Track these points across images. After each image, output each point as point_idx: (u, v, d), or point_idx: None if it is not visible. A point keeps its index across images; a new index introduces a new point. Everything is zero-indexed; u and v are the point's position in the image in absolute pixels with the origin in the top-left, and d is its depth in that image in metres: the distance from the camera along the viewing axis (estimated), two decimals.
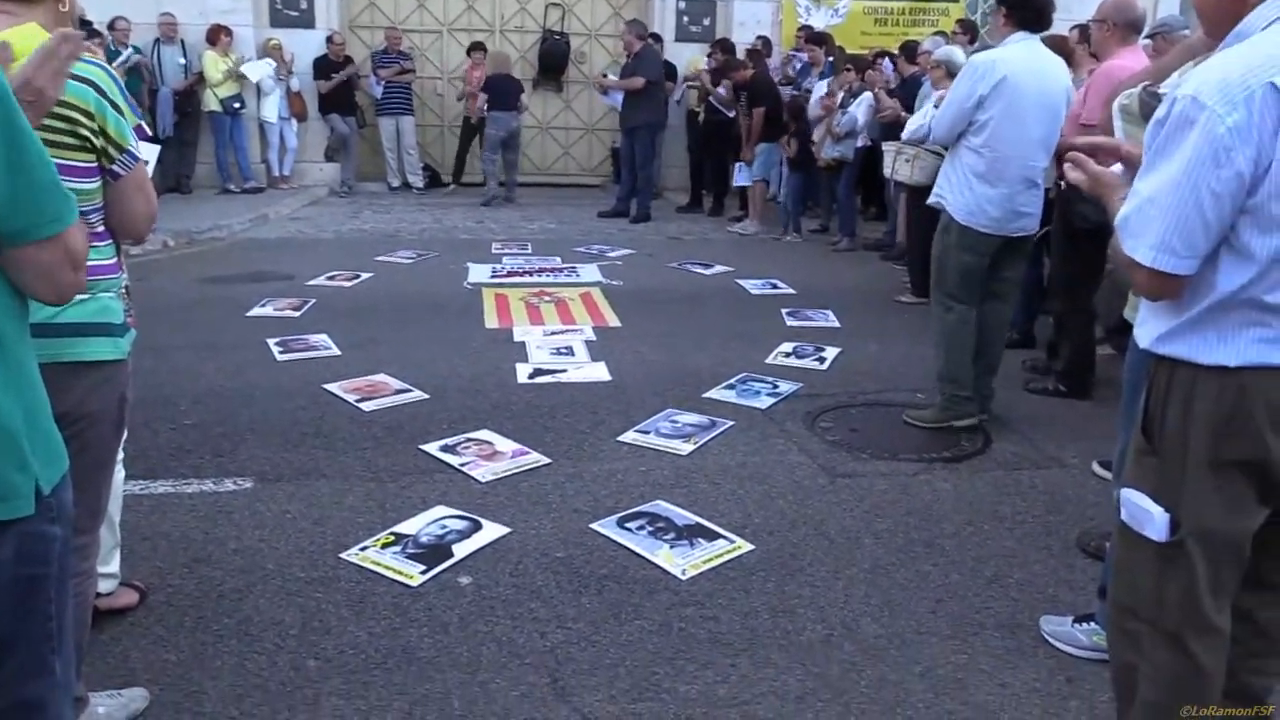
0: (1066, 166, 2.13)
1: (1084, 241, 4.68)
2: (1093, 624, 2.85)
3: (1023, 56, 4.31)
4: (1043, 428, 4.64)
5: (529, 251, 8.79)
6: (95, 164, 2.08)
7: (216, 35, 11.06)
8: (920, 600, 3.11)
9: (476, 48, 11.97)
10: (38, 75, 1.56)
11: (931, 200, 4.60)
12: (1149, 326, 1.93)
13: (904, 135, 6.31)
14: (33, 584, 1.58)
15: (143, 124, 2.19)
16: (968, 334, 4.52)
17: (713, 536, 3.45)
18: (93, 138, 2.05)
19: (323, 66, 11.51)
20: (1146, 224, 1.78)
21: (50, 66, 1.57)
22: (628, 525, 3.51)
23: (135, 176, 2.16)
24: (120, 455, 2.94)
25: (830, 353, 5.72)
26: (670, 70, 11.93)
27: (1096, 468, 4.17)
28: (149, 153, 2.61)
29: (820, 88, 9.73)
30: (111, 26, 10.34)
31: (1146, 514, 1.91)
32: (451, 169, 12.74)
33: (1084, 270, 4.82)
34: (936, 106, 5.11)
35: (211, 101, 11.10)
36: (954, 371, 4.56)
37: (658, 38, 11.84)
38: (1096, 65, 5.41)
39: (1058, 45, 5.47)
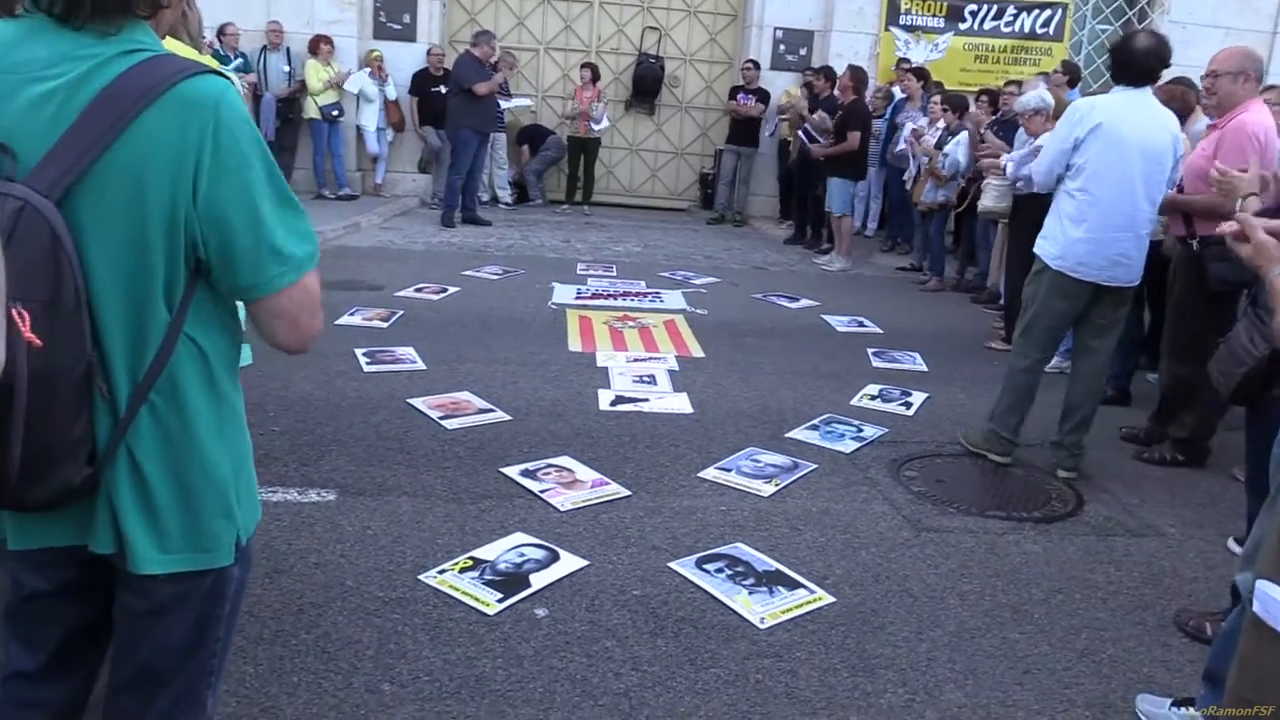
0: (1225, 226, 2.03)
1: (1216, 302, 4.50)
2: (1192, 710, 2.72)
3: (1123, 102, 4.34)
4: (1138, 492, 4.47)
5: (614, 274, 8.81)
6: None
7: (317, 45, 11.34)
8: (1006, 669, 3.00)
9: (586, 67, 12.09)
10: None
11: (1036, 248, 4.53)
12: None
13: (1009, 174, 6.30)
14: (208, 623, 1.61)
15: None
16: (1025, 382, 4.60)
17: (793, 585, 3.38)
18: None
19: (421, 79, 11.71)
20: None
21: None
22: (706, 567, 3.46)
23: None
24: None
25: (917, 398, 5.61)
26: (764, 96, 11.93)
27: (1232, 544, 3.91)
28: None
29: (910, 123, 9.62)
30: (221, 32, 10.67)
31: None
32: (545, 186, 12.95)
33: (1216, 332, 4.63)
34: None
35: (311, 109, 11.38)
36: (1003, 413, 4.67)
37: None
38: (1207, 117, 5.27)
39: (1176, 96, 5.33)
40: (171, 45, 1.86)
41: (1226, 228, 2.03)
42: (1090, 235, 4.32)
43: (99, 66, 1.36)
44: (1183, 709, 2.74)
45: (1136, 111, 4.32)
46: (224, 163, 1.39)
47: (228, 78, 1.47)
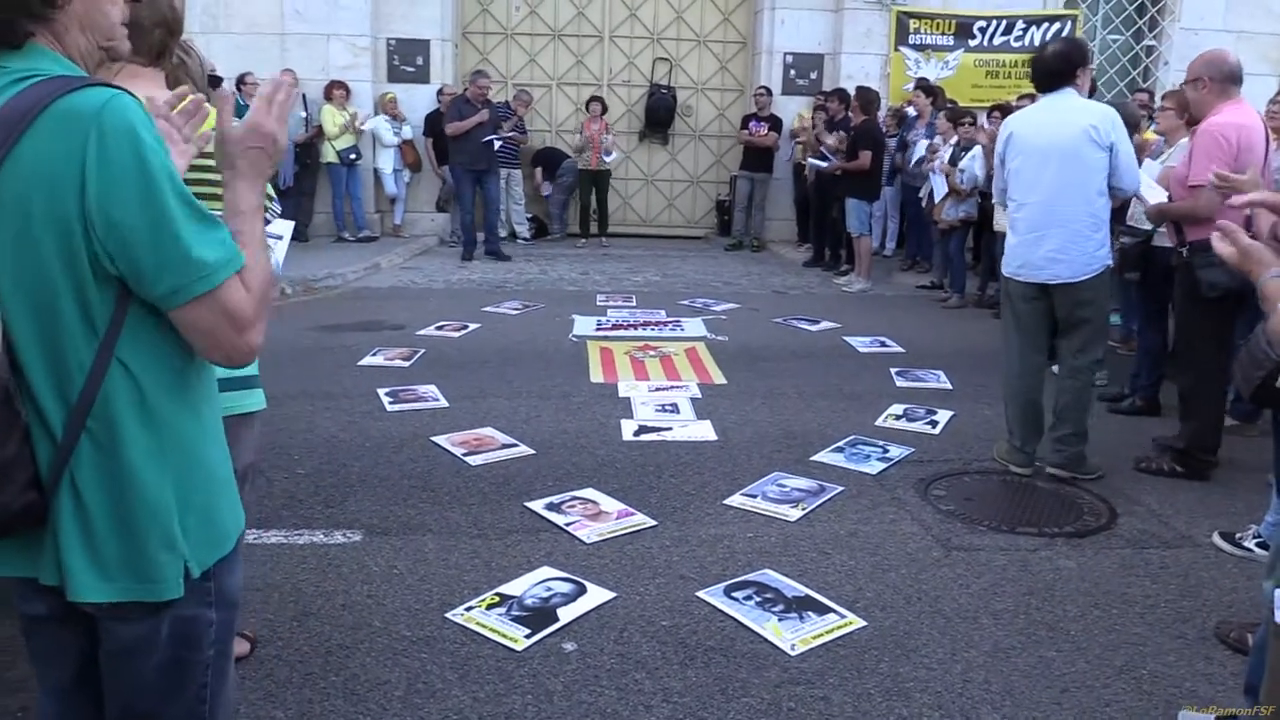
0: (1214, 237, 2.01)
1: (1212, 309, 4.47)
2: None
3: (1035, 110, 4.70)
4: (1172, 503, 4.40)
5: (634, 304, 8.82)
6: None
7: (331, 90, 11.48)
8: (1044, 689, 2.94)
9: (595, 100, 12.17)
10: (266, 121, 1.55)
11: None
12: None
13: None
14: (185, 667, 1.58)
15: (272, 195, 2.22)
16: (1017, 389, 4.68)
17: (823, 610, 3.34)
18: None
19: (434, 120, 11.83)
20: None
21: (275, 113, 1.57)
22: (735, 594, 3.43)
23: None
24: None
25: (942, 416, 5.56)
26: (776, 123, 11.98)
27: (1217, 539, 3.95)
28: (283, 229, 2.72)
29: (922, 146, 9.62)
30: (241, 82, 10.83)
31: None
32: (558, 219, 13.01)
33: (1213, 340, 4.59)
34: None
35: (329, 153, 11.50)
36: (1008, 420, 4.78)
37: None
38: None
39: (1184, 103, 5.34)
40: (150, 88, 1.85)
41: (1214, 238, 2.01)
42: (1022, 238, 4.57)
43: None
44: None
45: (1046, 115, 4.54)
46: (112, 169, 1.35)
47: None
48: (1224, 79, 4.56)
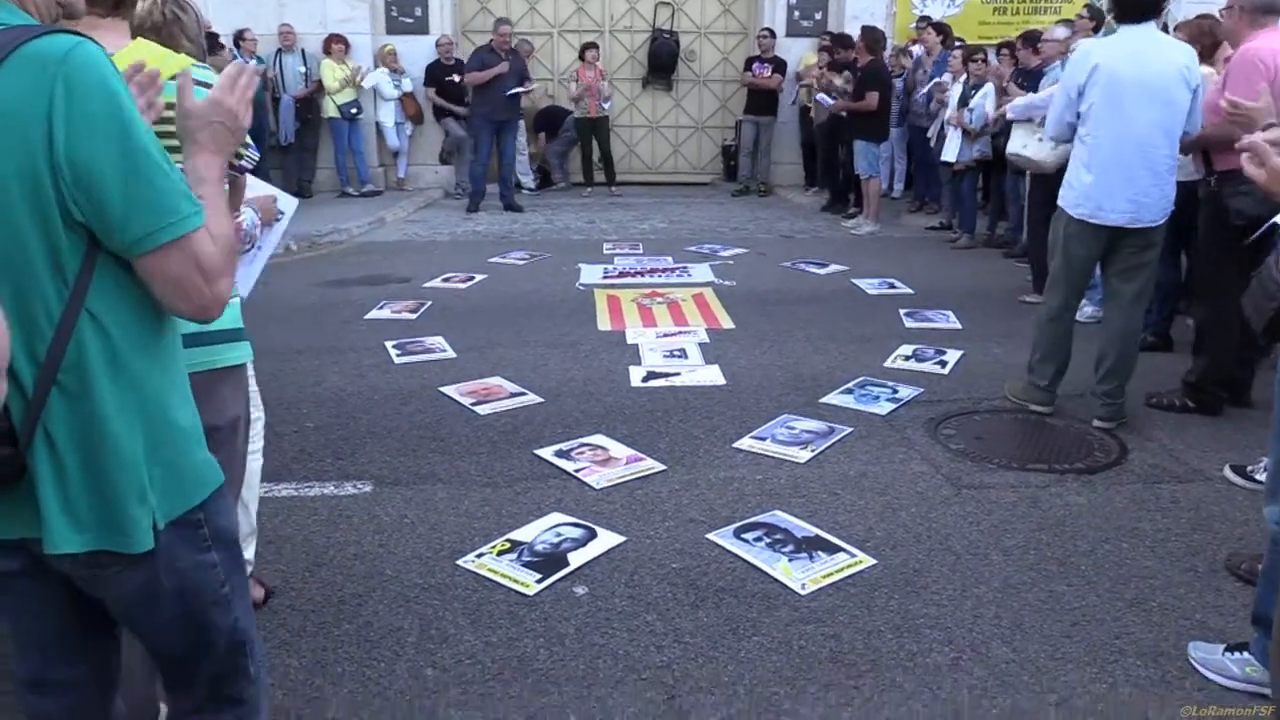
0: (1244, 158, 1.97)
1: (1236, 240, 4.40)
2: (1246, 654, 2.66)
3: (1122, 42, 4.34)
4: (1184, 438, 4.38)
5: (640, 252, 8.77)
6: None
7: (330, 44, 11.36)
8: (1054, 623, 2.95)
9: (590, 47, 12.01)
10: (228, 98, 1.56)
11: (1059, 197, 4.55)
12: None
13: (1011, 114, 6.16)
14: (205, 611, 1.63)
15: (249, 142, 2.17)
16: (1053, 330, 4.58)
17: (833, 550, 3.34)
18: None
19: (434, 70, 11.69)
20: None
21: (237, 95, 1.58)
22: (745, 536, 3.44)
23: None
24: (259, 444, 3.04)
25: (952, 356, 5.54)
26: (780, 65, 11.80)
27: (1228, 472, 3.95)
28: (287, 205, 2.73)
29: (929, 75, 9.47)
30: (240, 38, 10.72)
31: None
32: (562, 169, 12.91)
33: (1235, 272, 4.53)
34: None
35: (330, 108, 11.40)
36: (1038, 363, 4.64)
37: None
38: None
39: (1205, 31, 5.24)
40: (141, 47, 1.84)
41: (1244, 159, 1.96)
42: (1102, 179, 4.31)
43: None
44: (1236, 654, 2.68)
45: (1136, 49, 4.28)
46: (79, 115, 1.33)
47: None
48: (1255, 8, 4.45)
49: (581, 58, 11.99)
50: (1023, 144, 6.49)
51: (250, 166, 2.18)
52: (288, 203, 2.91)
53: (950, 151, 8.73)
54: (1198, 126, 4.39)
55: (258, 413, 2.99)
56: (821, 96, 10.28)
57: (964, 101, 8.53)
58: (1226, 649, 2.72)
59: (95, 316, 1.42)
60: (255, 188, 2.76)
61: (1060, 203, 4.51)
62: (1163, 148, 4.29)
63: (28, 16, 1.44)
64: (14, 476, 1.41)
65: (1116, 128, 4.27)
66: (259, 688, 1.78)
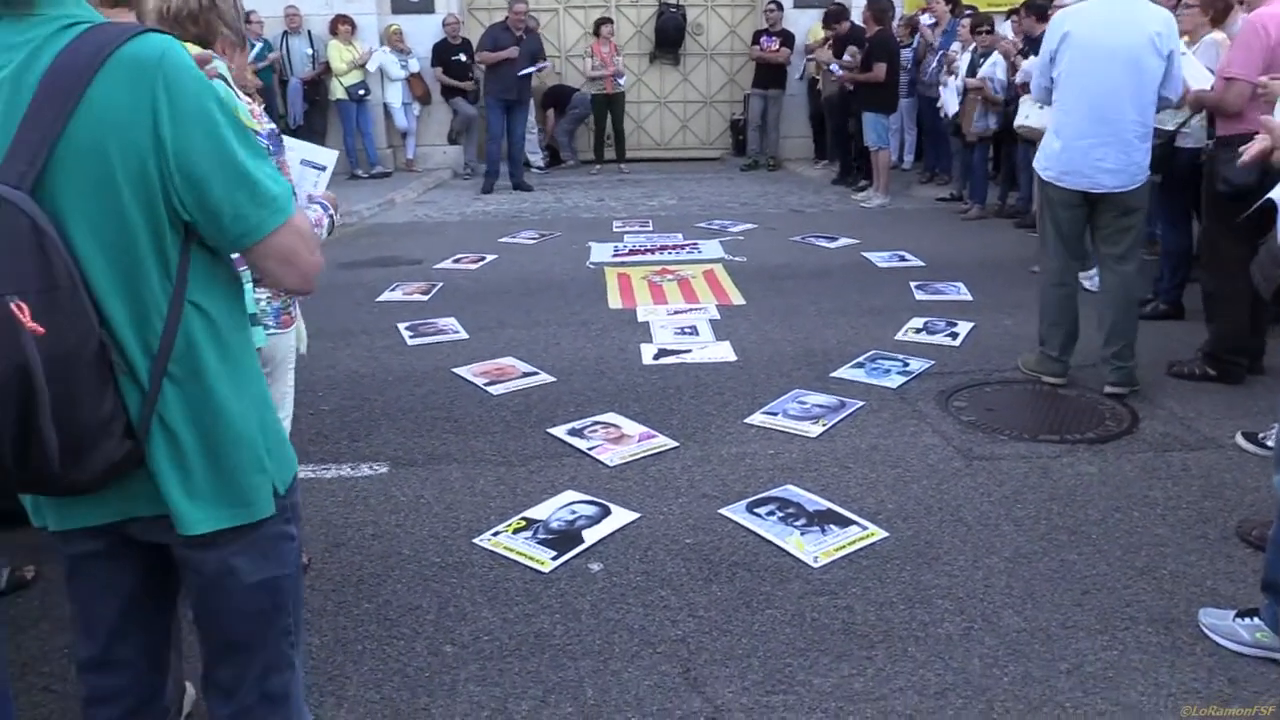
0: (1260, 135, 1.97)
1: (1229, 207, 4.39)
2: (1256, 620, 2.68)
3: (1094, 8, 4.33)
4: (1195, 406, 4.38)
5: (650, 229, 8.77)
6: None
7: (336, 25, 11.34)
8: (1065, 592, 2.97)
9: (605, 22, 11.93)
10: None
11: (1034, 161, 4.68)
12: None
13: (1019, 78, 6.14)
14: (278, 586, 1.66)
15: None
16: (1056, 295, 4.59)
17: (845, 523, 3.37)
18: None
19: (441, 50, 11.67)
20: None
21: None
22: (757, 511, 3.47)
23: None
24: (288, 422, 3.13)
25: (963, 328, 5.54)
26: (788, 37, 11.73)
27: (1240, 439, 3.96)
28: (328, 159, 2.80)
29: (944, 47, 9.39)
30: (246, 20, 10.69)
31: None
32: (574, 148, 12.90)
33: (1233, 239, 4.52)
34: None
35: (337, 90, 11.40)
36: (1042, 330, 4.68)
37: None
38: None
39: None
40: None
41: (1259, 137, 1.97)
42: (1070, 144, 4.34)
43: (38, 50, 1.37)
44: (1247, 619, 2.70)
45: (1109, 16, 4.27)
46: (182, 115, 1.39)
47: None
48: None
49: (596, 33, 11.93)
50: (1025, 114, 6.46)
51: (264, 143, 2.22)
52: (328, 156, 2.96)
53: (948, 106, 8.70)
54: (1178, 92, 4.37)
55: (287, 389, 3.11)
56: (833, 65, 10.21)
57: (972, 71, 8.47)
58: (1237, 615, 2.74)
59: (197, 305, 1.49)
60: (294, 147, 2.81)
61: (1036, 168, 4.61)
62: (1130, 114, 4.27)
63: (89, 7, 1.47)
64: (133, 467, 1.47)
65: (1084, 95, 4.31)
66: (299, 682, 1.81)
